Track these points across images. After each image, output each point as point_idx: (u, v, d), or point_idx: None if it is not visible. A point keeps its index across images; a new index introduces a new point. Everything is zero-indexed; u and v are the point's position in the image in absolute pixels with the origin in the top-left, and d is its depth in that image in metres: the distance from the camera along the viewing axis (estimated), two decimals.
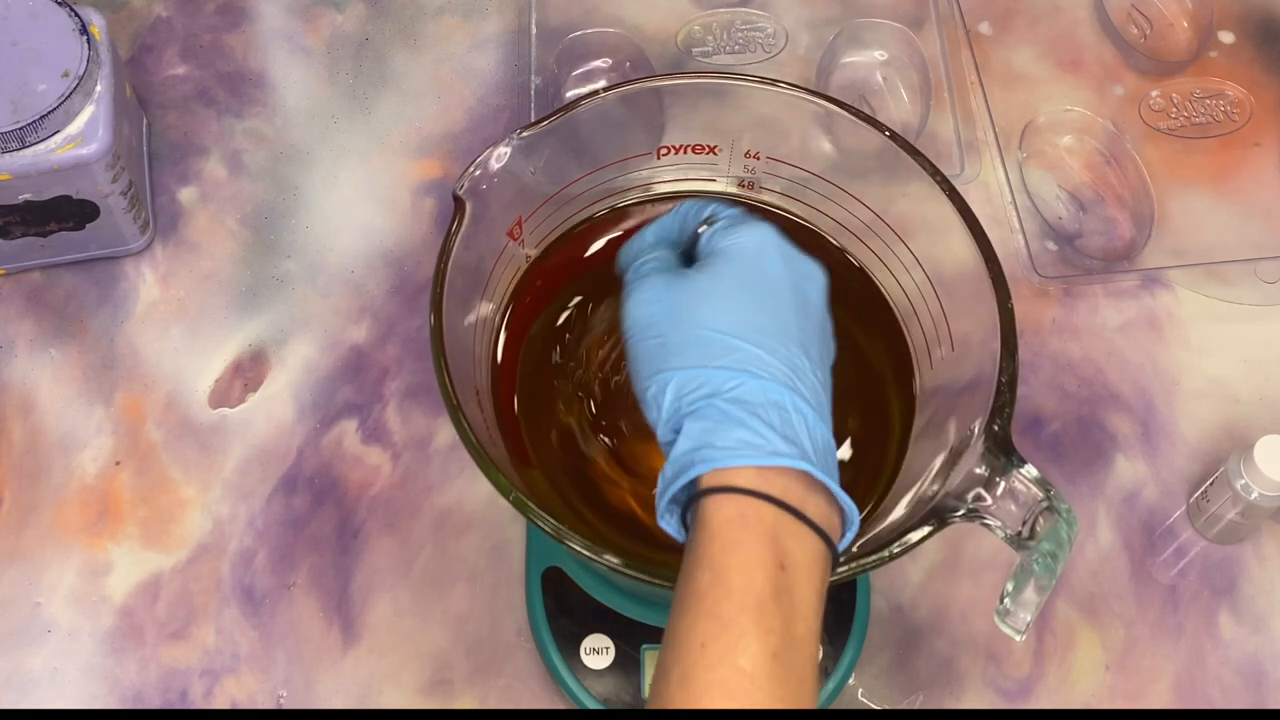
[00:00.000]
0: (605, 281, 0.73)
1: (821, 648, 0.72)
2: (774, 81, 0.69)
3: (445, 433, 0.82)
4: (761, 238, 0.59)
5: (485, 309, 0.67)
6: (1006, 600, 0.59)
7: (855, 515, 0.54)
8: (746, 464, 0.52)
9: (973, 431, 0.60)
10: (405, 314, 0.86)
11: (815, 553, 0.52)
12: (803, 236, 0.72)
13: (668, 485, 0.54)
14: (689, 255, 0.63)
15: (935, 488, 0.60)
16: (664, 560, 0.58)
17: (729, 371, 0.54)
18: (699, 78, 0.71)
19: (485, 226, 0.66)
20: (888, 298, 0.71)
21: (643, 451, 0.69)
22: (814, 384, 0.55)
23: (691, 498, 0.54)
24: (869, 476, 0.67)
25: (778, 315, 0.56)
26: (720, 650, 0.49)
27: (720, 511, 0.52)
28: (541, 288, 0.71)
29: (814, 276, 0.59)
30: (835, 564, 0.54)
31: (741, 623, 0.50)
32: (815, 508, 0.53)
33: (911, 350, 0.70)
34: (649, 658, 0.72)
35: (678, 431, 0.55)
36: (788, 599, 0.51)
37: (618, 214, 0.73)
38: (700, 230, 0.62)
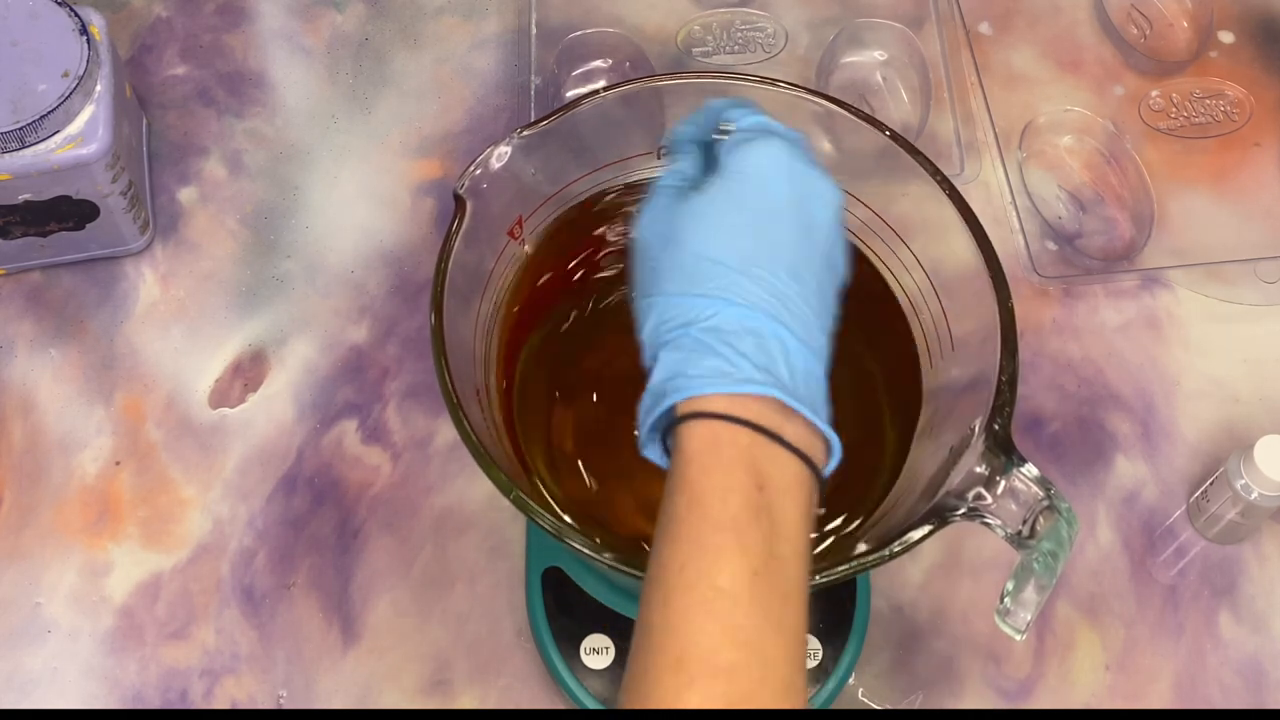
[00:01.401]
0: (605, 281, 0.73)
1: (821, 647, 0.72)
2: (774, 81, 0.69)
3: (445, 433, 0.82)
4: (768, 157, 0.57)
5: (486, 308, 0.67)
6: (1007, 600, 0.59)
7: (835, 441, 0.54)
8: (719, 391, 0.52)
9: (973, 431, 0.60)
10: (405, 314, 0.86)
11: (796, 475, 0.52)
12: None
13: (646, 414, 0.54)
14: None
15: (935, 487, 0.60)
16: None
17: (707, 300, 0.54)
18: (699, 78, 0.71)
19: (485, 226, 0.66)
20: (895, 295, 0.70)
21: (637, 453, 0.69)
22: (802, 311, 0.55)
23: (670, 425, 0.54)
24: (869, 475, 0.67)
25: (771, 240, 0.55)
26: (698, 571, 0.50)
27: (695, 437, 0.52)
28: (542, 287, 0.71)
29: (824, 197, 0.57)
30: (822, 488, 0.54)
31: (718, 542, 0.50)
32: (794, 432, 0.53)
33: (916, 348, 0.70)
34: None
35: (656, 359, 0.55)
36: (767, 518, 0.51)
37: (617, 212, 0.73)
38: (717, 138, 0.60)
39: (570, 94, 0.93)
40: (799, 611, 0.51)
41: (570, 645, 0.73)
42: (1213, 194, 0.91)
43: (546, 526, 0.58)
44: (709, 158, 0.61)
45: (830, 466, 0.55)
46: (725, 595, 0.49)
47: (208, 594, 0.77)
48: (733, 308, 0.54)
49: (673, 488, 0.52)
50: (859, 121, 0.68)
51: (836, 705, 0.73)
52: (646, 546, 0.66)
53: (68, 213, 0.82)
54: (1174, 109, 0.94)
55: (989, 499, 0.58)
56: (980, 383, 0.62)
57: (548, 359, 0.71)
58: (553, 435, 0.70)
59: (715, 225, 0.56)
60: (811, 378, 0.54)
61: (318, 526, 0.79)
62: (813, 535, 0.53)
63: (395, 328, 0.85)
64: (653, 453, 0.55)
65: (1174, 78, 0.95)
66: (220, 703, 0.75)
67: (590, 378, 0.71)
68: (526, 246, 0.69)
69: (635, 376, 0.71)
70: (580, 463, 0.69)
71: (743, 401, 0.52)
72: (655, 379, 0.54)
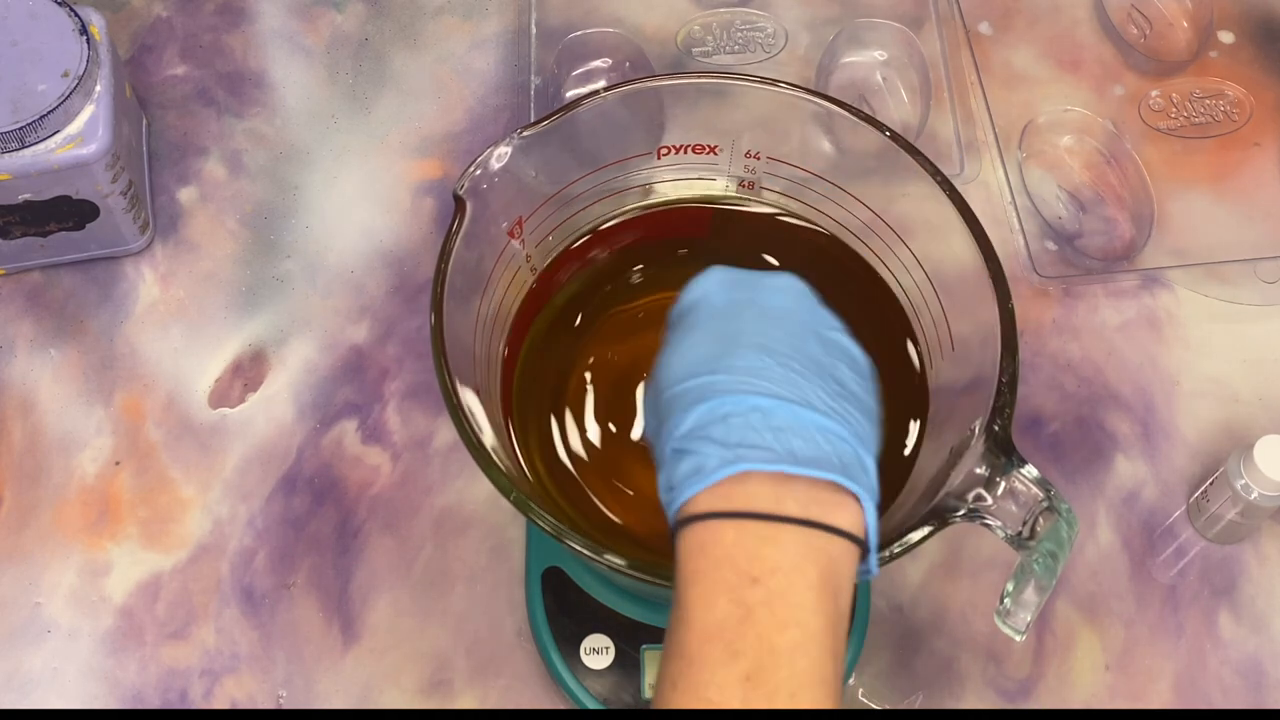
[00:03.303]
0: (605, 280, 0.73)
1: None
2: (774, 81, 0.69)
3: (445, 433, 0.82)
4: (705, 282, 0.58)
5: (486, 308, 0.67)
6: (1006, 600, 0.59)
7: (850, 484, 0.51)
8: (696, 490, 0.51)
9: (973, 431, 0.60)
10: (405, 314, 0.86)
11: (800, 548, 0.50)
12: (804, 236, 0.73)
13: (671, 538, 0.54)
14: None
15: (935, 488, 0.60)
16: (663, 560, 0.58)
17: (682, 414, 0.52)
18: (699, 78, 0.71)
19: (485, 226, 0.66)
20: (895, 295, 0.70)
21: (636, 454, 0.69)
22: (782, 374, 0.52)
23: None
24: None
25: (729, 337, 0.54)
26: (688, 686, 0.48)
27: (682, 547, 0.51)
28: (542, 287, 0.71)
29: (780, 288, 0.57)
30: (856, 542, 0.51)
31: (705, 654, 0.49)
32: (797, 499, 0.50)
33: (916, 348, 0.70)
34: (649, 658, 0.72)
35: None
36: (764, 612, 0.49)
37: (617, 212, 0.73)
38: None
39: (570, 94, 0.93)
40: (817, 697, 0.49)
41: (570, 645, 0.73)
42: (1213, 194, 0.91)
43: (546, 526, 0.58)
44: None
45: (870, 512, 0.52)
46: (715, 707, 0.48)
47: (208, 594, 0.77)
48: (702, 405, 0.52)
49: (672, 602, 0.51)
50: (859, 121, 0.68)
51: None
52: (646, 547, 0.67)
53: (68, 213, 0.82)
54: (1174, 109, 0.94)
55: (989, 500, 0.58)
56: (980, 383, 0.62)
57: (548, 359, 0.71)
58: (553, 435, 0.70)
59: (675, 356, 0.55)
60: (812, 429, 0.52)
61: (318, 526, 0.79)
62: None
63: (395, 328, 0.85)
64: None
65: (1174, 78, 0.95)
66: (220, 703, 0.75)
67: (590, 379, 0.71)
68: (527, 248, 0.69)
69: (635, 377, 0.71)
70: (580, 463, 0.69)
71: (726, 492, 0.50)
72: (662, 502, 0.53)
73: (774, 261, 0.72)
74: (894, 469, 0.67)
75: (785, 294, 0.57)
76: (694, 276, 0.59)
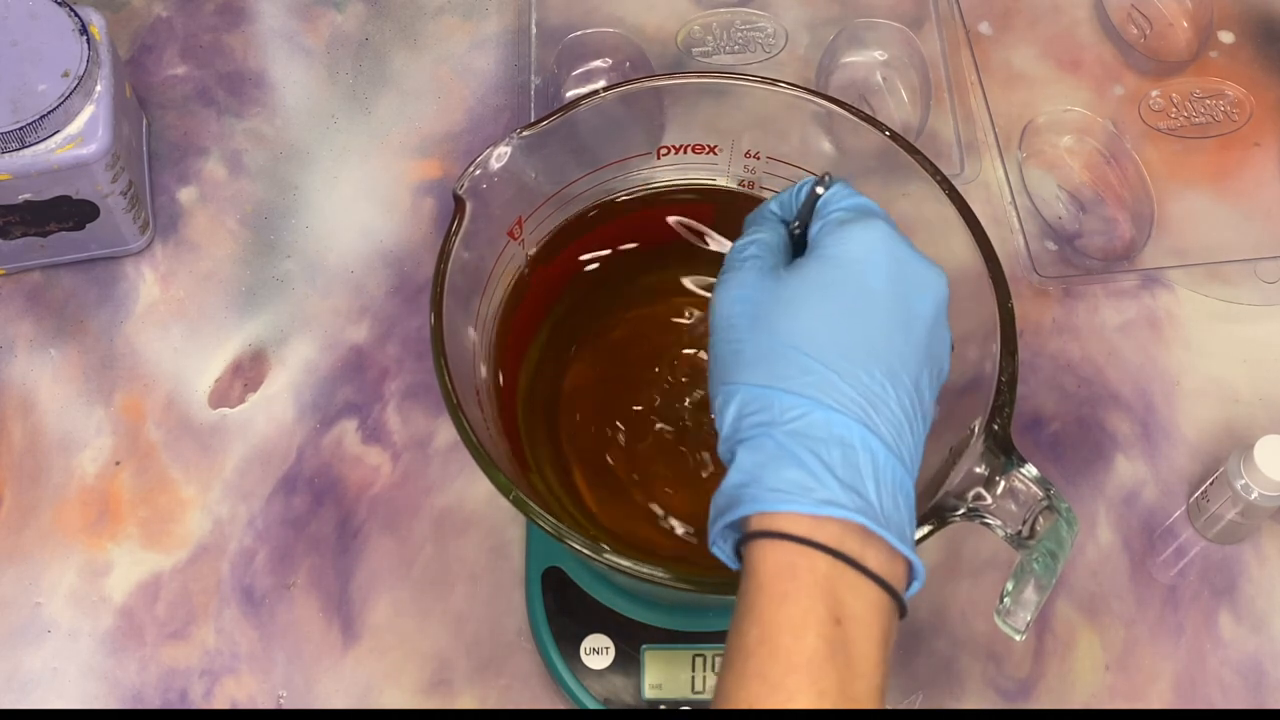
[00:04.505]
0: (605, 280, 0.73)
1: None
2: (774, 81, 0.69)
3: (445, 433, 0.82)
4: (869, 241, 0.53)
5: (486, 308, 0.67)
6: (1006, 600, 0.59)
7: (920, 566, 0.51)
8: (798, 510, 0.49)
9: (972, 431, 0.60)
10: (405, 314, 0.86)
11: (876, 604, 0.49)
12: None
13: (718, 515, 0.51)
14: (803, 239, 0.57)
15: (935, 487, 0.60)
16: (663, 561, 0.58)
17: (795, 397, 0.50)
18: (699, 78, 0.71)
19: (485, 226, 0.66)
20: None
21: (637, 454, 0.69)
22: (895, 416, 0.51)
23: (743, 536, 0.51)
24: None
25: (867, 335, 0.51)
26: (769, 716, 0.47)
27: (768, 560, 0.49)
28: (542, 287, 0.71)
29: (929, 287, 0.54)
30: (902, 615, 0.51)
31: (790, 685, 0.47)
32: (875, 556, 0.49)
33: None
34: (649, 658, 0.72)
35: (733, 455, 0.51)
36: (844, 656, 0.47)
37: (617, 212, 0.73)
38: (809, 220, 0.57)
39: (570, 94, 0.93)
40: None
41: (570, 645, 0.73)
42: (1213, 194, 0.91)
43: (546, 526, 0.58)
44: (794, 238, 0.57)
45: (912, 590, 0.51)
46: None
47: (208, 594, 0.77)
48: (821, 410, 0.50)
49: (741, 615, 0.49)
50: (859, 121, 0.68)
51: None
52: (646, 547, 0.67)
53: (68, 213, 0.82)
54: (1174, 109, 0.94)
55: (989, 499, 0.58)
56: (980, 383, 0.62)
57: (548, 359, 0.71)
58: (554, 435, 0.70)
59: (810, 312, 0.51)
60: (900, 493, 0.51)
61: (318, 526, 0.79)
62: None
63: (395, 328, 0.85)
64: (722, 553, 0.52)
65: (1174, 78, 0.95)
66: (220, 703, 0.75)
67: (591, 378, 0.71)
68: (527, 248, 0.69)
69: (635, 377, 0.71)
70: (581, 463, 0.69)
71: (824, 523, 0.49)
72: (730, 480, 0.51)
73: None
74: None
75: (930, 298, 0.54)
76: (855, 213, 0.54)
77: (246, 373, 0.84)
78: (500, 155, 0.65)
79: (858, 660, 0.48)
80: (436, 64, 0.95)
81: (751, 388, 0.51)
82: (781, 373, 0.51)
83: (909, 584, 0.51)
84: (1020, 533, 0.58)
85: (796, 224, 0.57)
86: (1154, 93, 0.95)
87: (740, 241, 0.57)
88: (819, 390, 0.50)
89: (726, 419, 0.52)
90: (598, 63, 0.95)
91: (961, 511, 0.58)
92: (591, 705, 0.72)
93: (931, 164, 0.66)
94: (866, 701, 0.48)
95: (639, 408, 0.70)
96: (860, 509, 0.49)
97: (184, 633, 0.76)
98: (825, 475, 0.49)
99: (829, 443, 0.49)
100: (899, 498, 0.51)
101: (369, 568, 0.78)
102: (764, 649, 0.48)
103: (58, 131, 0.78)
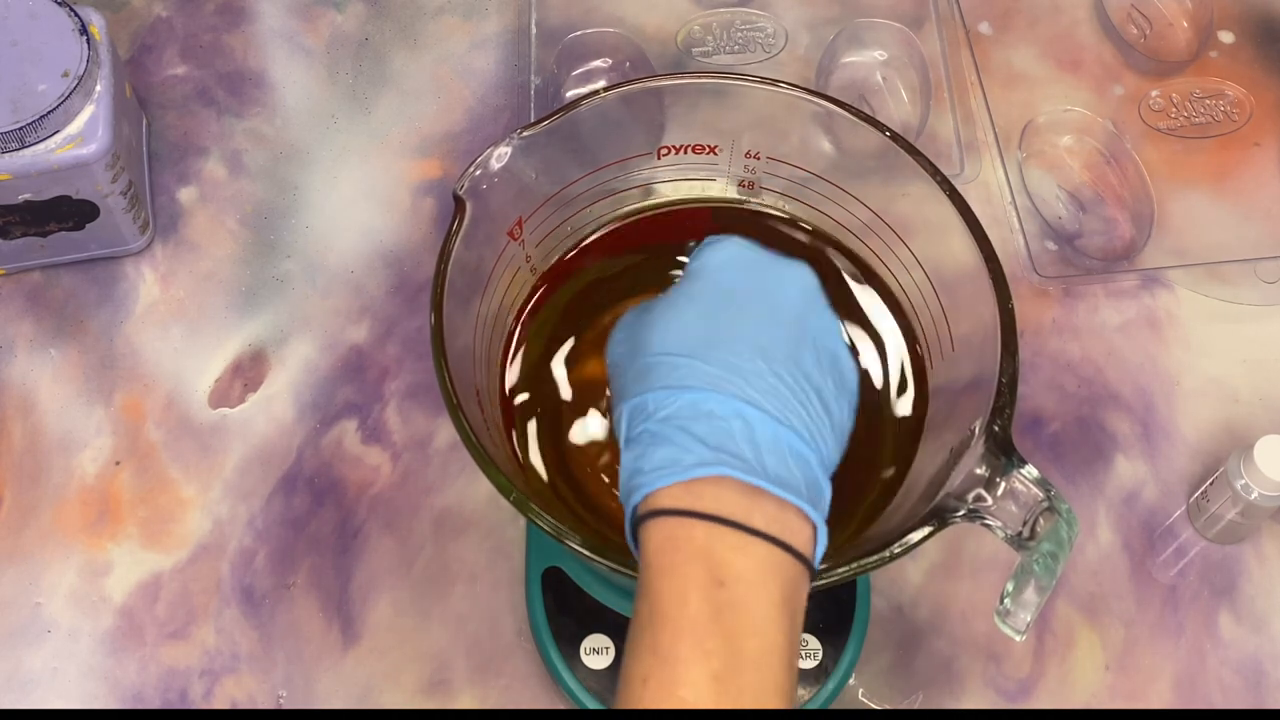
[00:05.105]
0: (605, 280, 0.73)
1: (821, 647, 0.72)
2: (774, 81, 0.69)
3: (445, 433, 0.82)
4: (723, 251, 0.57)
5: (485, 309, 0.67)
6: (1006, 600, 0.59)
7: (814, 515, 0.52)
8: (669, 482, 0.51)
9: (973, 431, 0.60)
10: (405, 314, 0.86)
11: (766, 561, 0.50)
12: (802, 236, 0.73)
13: (626, 516, 0.53)
14: None
15: (935, 488, 0.60)
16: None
17: (665, 391, 0.52)
18: (699, 78, 0.71)
19: (485, 226, 0.66)
20: (896, 296, 0.70)
21: None
22: (773, 387, 0.52)
23: (636, 526, 0.52)
24: (867, 475, 0.67)
25: (732, 325, 0.54)
26: (659, 684, 0.48)
27: (652, 539, 0.51)
28: (541, 287, 0.71)
29: (792, 279, 0.57)
30: (809, 568, 0.52)
31: (680, 652, 0.48)
32: (765, 515, 0.51)
33: (916, 348, 0.70)
34: None
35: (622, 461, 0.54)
36: (730, 616, 0.49)
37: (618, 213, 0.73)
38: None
39: (570, 94, 0.93)
40: (778, 703, 0.49)
41: (570, 645, 0.73)
42: (1213, 194, 0.91)
43: (546, 527, 0.58)
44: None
45: (820, 546, 0.52)
46: (687, 705, 0.47)
47: (208, 594, 0.77)
48: (689, 393, 0.52)
49: (638, 596, 0.51)
50: (859, 121, 0.68)
51: (836, 705, 0.73)
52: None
53: (68, 213, 0.82)
54: (1174, 109, 0.94)
55: (989, 500, 0.58)
56: (980, 383, 0.62)
57: (548, 359, 0.71)
58: (554, 435, 0.70)
59: (674, 322, 0.54)
60: (785, 450, 0.52)
61: (318, 526, 0.79)
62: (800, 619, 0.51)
63: (395, 328, 0.85)
64: (633, 550, 0.54)
65: (1174, 78, 0.95)
66: (220, 703, 0.75)
67: (590, 378, 0.71)
68: (527, 248, 0.69)
69: None
70: (581, 463, 0.69)
71: (699, 490, 0.50)
72: (621, 480, 0.53)
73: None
74: (895, 467, 0.67)
75: (795, 288, 0.56)
76: (711, 239, 0.58)
77: (246, 373, 0.84)
78: (500, 155, 0.65)
79: (747, 618, 0.49)
80: (436, 64, 0.95)
81: (631, 401, 0.54)
82: (654, 380, 0.53)
83: (812, 541, 0.52)
84: (1020, 534, 0.58)
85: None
86: (1154, 93, 0.95)
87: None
88: (685, 378, 0.52)
89: (620, 434, 0.54)
90: (598, 63, 0.95)
91: (962, 512, 0.58)
92: (591, 705, 0.72)
93: (931, 164, 0.66)
94: (763, 656, 0.49)
95: None
96: (733, 464, 0.50)
97: (184, 633, 0.76)
98: (693, 444, 0.51)
99: (695, 418, 0.52)
100: (789, 460, 0.52)
101: (369, 568, 0.78)
102: (655, 622, 0.49)
103: (58, 131, 0.78)
